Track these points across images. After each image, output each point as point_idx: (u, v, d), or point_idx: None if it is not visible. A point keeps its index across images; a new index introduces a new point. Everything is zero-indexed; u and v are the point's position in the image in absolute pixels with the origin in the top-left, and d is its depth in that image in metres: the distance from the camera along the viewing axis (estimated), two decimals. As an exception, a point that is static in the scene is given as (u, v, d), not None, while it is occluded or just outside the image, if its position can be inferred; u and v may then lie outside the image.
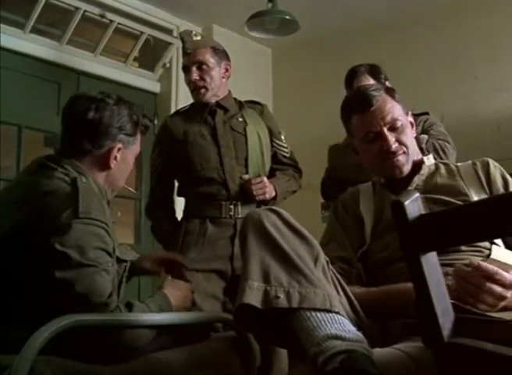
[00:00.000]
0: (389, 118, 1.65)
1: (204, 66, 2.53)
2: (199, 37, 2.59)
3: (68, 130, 1.71)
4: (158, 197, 2.64)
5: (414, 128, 1.75)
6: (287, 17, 3.52)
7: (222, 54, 2.60)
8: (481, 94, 3.97)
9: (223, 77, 2.60)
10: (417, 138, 1.77)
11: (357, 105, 1.69)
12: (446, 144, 2.60)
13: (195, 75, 2.52)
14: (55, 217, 1.48)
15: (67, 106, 1.73)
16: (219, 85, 2.58)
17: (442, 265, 1.00)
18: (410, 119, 1.74)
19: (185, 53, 2.56)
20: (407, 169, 1.67)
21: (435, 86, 4.02)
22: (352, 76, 2.93)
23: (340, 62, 4.15)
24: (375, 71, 2.92)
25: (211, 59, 2.55)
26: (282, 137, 2.71)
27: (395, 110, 1.67)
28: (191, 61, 2.53)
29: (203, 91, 2.53)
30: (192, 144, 2.54)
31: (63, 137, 1.72)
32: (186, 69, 2.55)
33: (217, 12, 4.14)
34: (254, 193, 2.47)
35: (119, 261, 1.71)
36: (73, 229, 1.47)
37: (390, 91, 1.72)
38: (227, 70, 2.62)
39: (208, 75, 2.53)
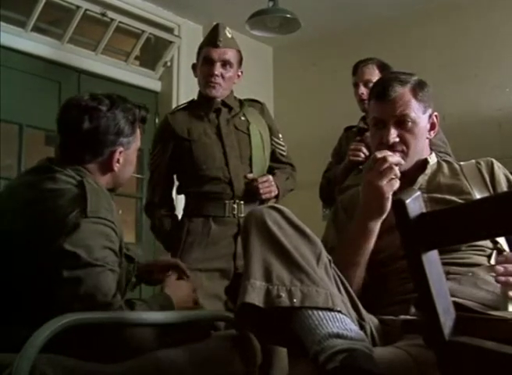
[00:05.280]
0: (398, 112, 1.62)
1: (228, 66, 2.55)
2: (231, 36, 2.60)
3: (66, 142, 1.70)
4: (160, 195, 2.63)
5: (435, 130, 1.71)
6: (288, 16, 3.52)
7: (240, 60, 2.63)
8: (482, 92, 3.97)
9: (234, 82, 2.62)
10: (430, 140, 1.74)
11: (376, 92, 1.68)
12: (448, 156, 2.57)
13: (218, 71, 2.53)
14: (64, 217, 1.48)
15: (61, 117, 1.71)
16: (230, 88, 2.61)
17: (443, 264, 0.99)
18: (434, 120, 1.71)
19: (213, 44, 2.54)
20: (401, 168, 1.63)
21: (435, 84, 3.99)
22: (360, 61, 2.93)
23: (341, 60, 4.15)
24: (384, 66, 2.90)
25: (235, 61, 2.57)
26: (280, 136, 2.74)
27: (410, 106, 1.63)
28: (220, 56, 2.53)
29: (218, 87, 2.54)
30: (197, 142, 2.53)
31: (62, 147, 1.70)
32: (210, 62, 2.53)
33: (218, 10, 4.14)
34: (261, 191, 2.49)
35: (130, 259, 1.71)
36: (82, 228, 1.47)
37: (417, 87, 1.67)
38: (238, 76, 2.65)
39: (227, 75, 2.55)
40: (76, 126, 1.65)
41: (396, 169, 1.52)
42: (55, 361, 1.34)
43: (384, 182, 1.50)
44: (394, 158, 1.53)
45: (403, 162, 1.57)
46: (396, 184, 1.51)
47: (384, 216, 1.56)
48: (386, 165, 1.50)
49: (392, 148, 1.62)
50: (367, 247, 1.57)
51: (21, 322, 1.43)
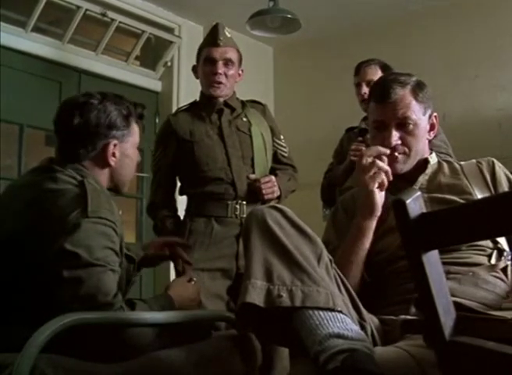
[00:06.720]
0: (400, 114, 1.62)
1: (230, 65, 2.56)
2: (230, 35, 2.61)
3: (61, 140, 1.70)
4: (162, 196, 2.63)
5: (435, 130, 1.71)
6: (289, 16, 3.52)
7: (240, 59, 2.64)
8: (483, 92, 3.97)
9: (236, 81, 2.63)
10: (430, 141, 1.74)
11: (376, 94, 1.68)
12: (449, 157, 2.57)
13: (222, 69, 2.54)
14: (65, 217, 1.48)
15: (55, 117, 1.72)
16: (233, 87, 2.62)
17: (444, 263, 0.99)
18: (433, 121, 1.71)
19: (214, 44, 2.55)
20: (401, 169, 1.64)
21: (435, 84, 4.00)
22: (362, 62, 2.93)
23: (341, 60, 4.16)
24: (386, 67, 2.90)
25: (236, 60, 2.59)
26: (282, 137, 2.74)
27: (411, 108, 1.63)
28: (222, 55, 2.54)
29: (222, 86, 2.55)
30: (199, 144, 2.54)
31: (58, 146, 1.71)
32: (212, 61, 2.54)
33: (218, 10, 4.14)
34: (264, 192, 2.49)
35: (130, 259, 1.71)
36: (82, 228, 1.47)
37: (417, 88, 1.66)
38: (239, 75, 2.65)
39: (230, 72, 2.56)
40: (67, 122, 1.65)
41: (378, 161, 1.57)
42: (55, 361, 1.34)
43: (367, 176, 1.56)
44: (373, 150, 1.60)
45: (383, 149, 1.60)
46: (381, 177, 1.56)
47: (377, 214, 1.57)
48: (368, 160, 1.57)
49: (394, 150, 1.62)
50: (361, 246, 1.57)
51: (21, 322, 1.43)
